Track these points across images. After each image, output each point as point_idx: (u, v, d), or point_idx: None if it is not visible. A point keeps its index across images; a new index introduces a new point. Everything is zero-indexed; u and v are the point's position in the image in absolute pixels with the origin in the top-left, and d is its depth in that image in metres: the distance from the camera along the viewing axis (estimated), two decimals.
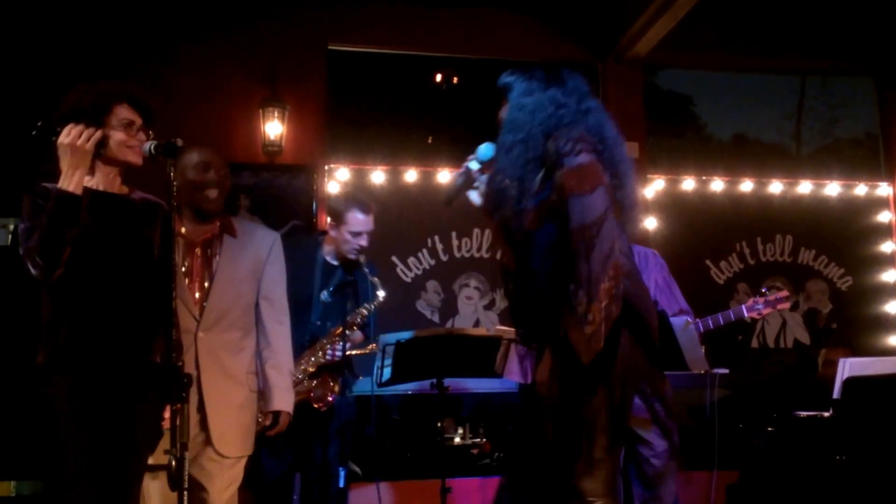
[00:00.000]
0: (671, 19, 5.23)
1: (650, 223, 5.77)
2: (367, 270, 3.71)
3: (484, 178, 2.53)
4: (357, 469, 4.56)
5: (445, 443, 5.00)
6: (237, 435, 2.93)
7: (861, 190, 6.34)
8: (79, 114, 2.41)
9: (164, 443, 2.31)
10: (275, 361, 3.06)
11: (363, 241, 3.75)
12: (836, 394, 3.78)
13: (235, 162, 4.75)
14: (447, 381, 3.82)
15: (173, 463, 2.13)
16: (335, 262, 3.83)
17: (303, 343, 3.63)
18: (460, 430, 5.40)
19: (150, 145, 2.41)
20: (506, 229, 2.44)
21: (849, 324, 6.14)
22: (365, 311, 3.67)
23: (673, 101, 7.26)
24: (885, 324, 6.18)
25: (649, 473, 3.77)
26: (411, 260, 5.64)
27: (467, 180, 2.56)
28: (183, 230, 2.99)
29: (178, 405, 2.16)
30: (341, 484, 3.66)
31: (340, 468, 3.67)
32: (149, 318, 2.48)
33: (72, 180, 2.36)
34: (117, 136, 2.47)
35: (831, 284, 6.20)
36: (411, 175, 5.69)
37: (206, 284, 2.96)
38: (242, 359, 2.99)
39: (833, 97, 7.32)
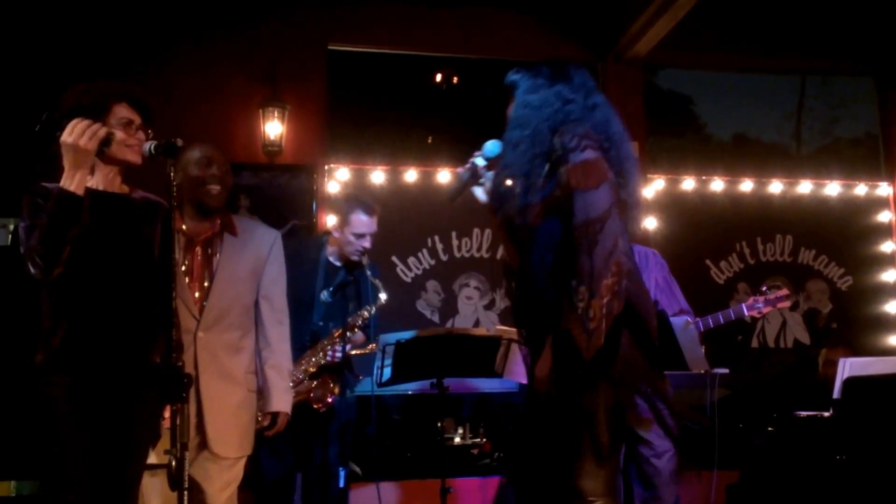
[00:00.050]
0: (671, 19, 5.24)
1: (650, 223, 5.77)
2: (369, 272, 3.70)
3: (490, 174, 2.54)
4: (357, 469, 4.56)
5: (445, 443, 5.00)
6: (235, 436, 2.92)
7: (861, 190, 6.34)
8: (78, 113, 2.40)
9: (164, 443, 2.31)
10: (274, 361, 3.06)
11: (366, 243, 3.74)
12: (836, 394, 3.78)
13: (235, 162, 4.73)
14: (447, 381, 3.82)
15: (173, 463, 2.13)
16: (338, 263, 3.83)
17: (304, 343, 3.63)
18: (460, 430, 5.40)
19: (149, 145, 2.40)
20: (510, 226, 2.44)
21: (849, 324, 6.14)
22: (366, 314, 3.66)
23: (673, 101, 7.26)
24: (885, 324, 6.18)
25: (649, 473, 3.77)
26: (411, 260, 5.64)
27: (473, 176, 2.56)
28: (184, 227, 2.99)
29: (178, 405, 2.16)
30: (341, 484, 3.66)
31: (340, 468, 3.67)
32: (149, 317, 2.47)
33: (73, 180, 2.35)
34: (116, 135, 2.46)
35: (831, 284, 6.20)
36: (411, 175, 5.69)
37: (206, 284, 2.95)
38: (241, 359, 2.98)
39: (833, 97, 7.32)
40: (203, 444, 2.83)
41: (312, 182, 5.48)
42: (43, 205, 2.37)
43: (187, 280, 2.94)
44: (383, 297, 3.67)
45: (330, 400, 3.59)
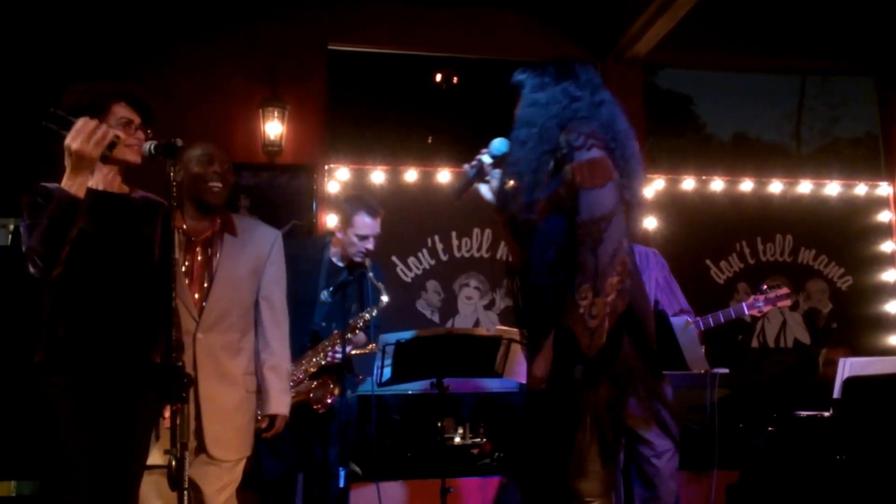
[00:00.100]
0: (671, 19, 5.23)
1: (650, 223, 5.77)
2: (371, 274, 3.68)
3: (496, 172, 2.54)
4: (357, 469, 4.56)
5: (445, 443, 5.00)
6: (233, 438, 2.90)
7: (861, 189, 6.33)
8: (78, 112, 2.39)
9: (164, 443, 2.31)
10: (272, 363, 3.04)
11: (370, 245, 3.73)
12: (836, 393, 3.78)
13: (235, 162, 4.69)
14: (447, 381, 3.82)
15: (173, 463, 2.13)
16: (341, 264, 3.82)
17: (304, 344, 3.63)
18: (460, 430, 5.40)
19: (149, 145, 2.39)
20: (514, 225, 2.44)
21: (849, 323, 6.14)
22: (367, 316, 3.65)
23: (673, 101, 7.27)
24: (885, 323, 6.17)
25: (650, 473, 3.77)
26: (411, 260, 5.64)
27: (479, 173, 2.57)
28: (185, 226, 2.97)
29: (178, 405, 2.15)
30: (341, 484, 3.66)
31: (341, 468, 3.66)
32: (148, 317, 2.47)
33: (75, 182, 2.33)
34: (121, 138, 2.46)
35: (831, 284, 6.20)
36: (411, 175, 5.69)
37: (206, 285, 2.93)
38: (240, 360, 2.97)
39: (833, 97, 7.34)
40: (201, 447, 2.81)
41: (312, 182, 5.48)
42: (43, 205, 2.37)
43: (187, 281, 2.92)
44: (385, 299, 3.65)
45: (329, 401, 3.59)
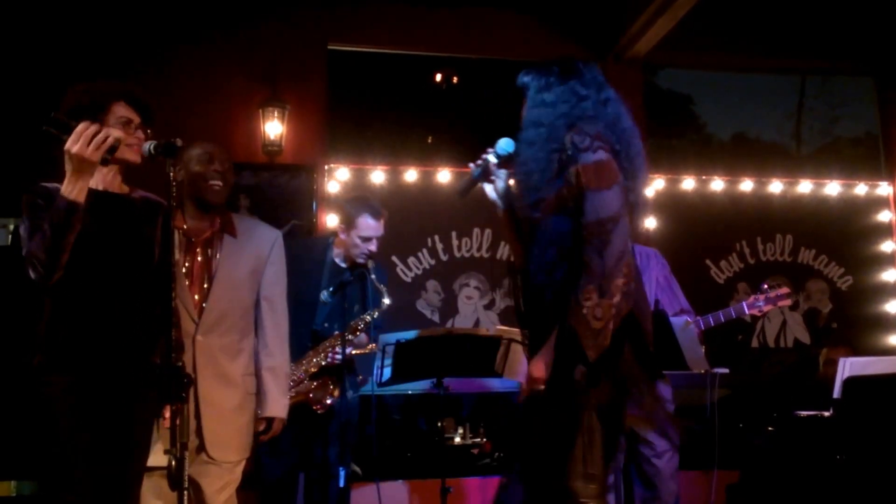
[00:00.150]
0: (671, 19, 5.24)
1: (650, 223, 5.77)
2: (373, 276, 3.67)
3: (501, 172, 2.54)
4: (357, 469, 4.56)
5: (445, 443, 5.00)
6: (233, 439, 2.90)
7: (861, 189, 6.33)
8: (78, 112, 2.38)
9: (164, 443, 2.31)
10: (271, 364, 3.03)
11: (372, 247, 3.71)
12: (836, 393, 3.78)
13: (235, 162, 4.68)
14: (447, 381, 3.82)
15: (173, 463, 2.13)
16: (343, 265, 3.81)
17: (306, 344, 3.62)
18: (460, 430, 5.40)
19: (149, 145, 2.39)
20: (517, 225, 2.44)
21: (849, 323, 6.15)
22: (368, 318, 3.64)
23: (673, 101, 7.27)
24: (885, 323, 6.17)
25: (650, 473, 3.77)
26: (411, 260, 5.64)
27: (484, 173, 2.56)
28: (185, 226, 2.96)
29: (178, 405, 2.15)
30: (342, 484, 3.66)
31: (341, 468, 3.66)
32: (148, 317, 2.47)
33: (75, 187, 2.32)
34: (122, 139, 2.45)
35: (831, 284, 6.20)
36: (411, 175, 5.69)
37: (206, 286, 2.92)
38: (240, 361, 2.96)
39: (833, 97, 7.33)
40: (201, 448, 2.81)
41: (312, 182, 5.48)
42: (43, 205, 2.36)
43: (187, 283, 2.91)
44: (387, 301, 3.64)
45: (328, 402, 3.58)
